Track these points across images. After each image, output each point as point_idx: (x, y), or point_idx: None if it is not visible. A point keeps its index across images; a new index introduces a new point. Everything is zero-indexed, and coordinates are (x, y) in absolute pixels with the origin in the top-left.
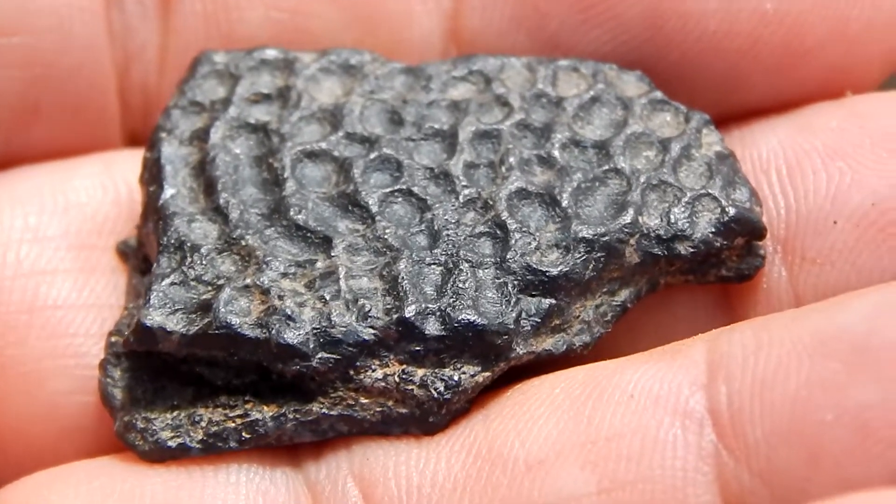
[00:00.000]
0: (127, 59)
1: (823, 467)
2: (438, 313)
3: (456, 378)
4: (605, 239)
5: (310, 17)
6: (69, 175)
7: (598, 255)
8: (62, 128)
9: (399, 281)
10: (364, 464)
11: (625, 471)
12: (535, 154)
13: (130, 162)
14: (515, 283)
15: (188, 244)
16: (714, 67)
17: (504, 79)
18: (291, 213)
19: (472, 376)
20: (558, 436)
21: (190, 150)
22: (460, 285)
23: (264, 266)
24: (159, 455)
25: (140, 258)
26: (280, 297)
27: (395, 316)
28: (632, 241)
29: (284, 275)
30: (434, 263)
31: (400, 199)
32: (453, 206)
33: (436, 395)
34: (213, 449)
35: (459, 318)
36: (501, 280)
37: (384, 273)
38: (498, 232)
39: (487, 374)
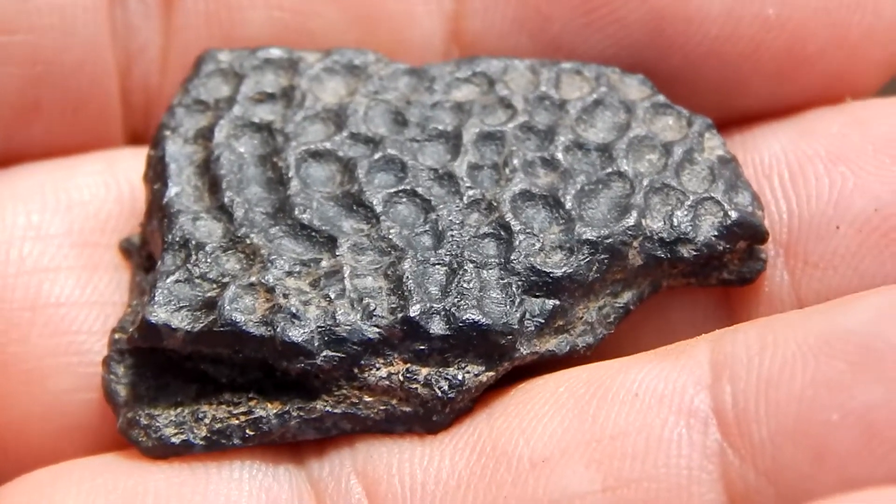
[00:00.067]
0: (129, 58)
1: (828, 467)
2: (443, 313)
3: (460, 377)
4: (608, 241)
5: (311, 17)
6: (71, 173)
7: (602, 256)
8: (63, 126)
9: (404, 280)
10: (367, 461)
11: (629, 469)
12: (538, 156)
13: (132, 160)
14: (519, 283)
15: (193, 242)
16: (716, 72)
17: (507, 81)
18: (296, 212)
19: (476, 376)
20: (563, 434)
21: (194, 149)
22: (465, 285)
23: (269, 264)
24: (162, 452)
25: (144, 256)
26: (285, 296)
27: (399, 315)
28: (635, 244)
29: (289, 273)
30: (438, 263)
31: (404, 200)
32: (457, 206)
33: (440, 394)
34: (217, 446)
35: (464, 317)
36: (505, 281)
37: (389, 272)
38: (502, 233)
39: (491, 373)
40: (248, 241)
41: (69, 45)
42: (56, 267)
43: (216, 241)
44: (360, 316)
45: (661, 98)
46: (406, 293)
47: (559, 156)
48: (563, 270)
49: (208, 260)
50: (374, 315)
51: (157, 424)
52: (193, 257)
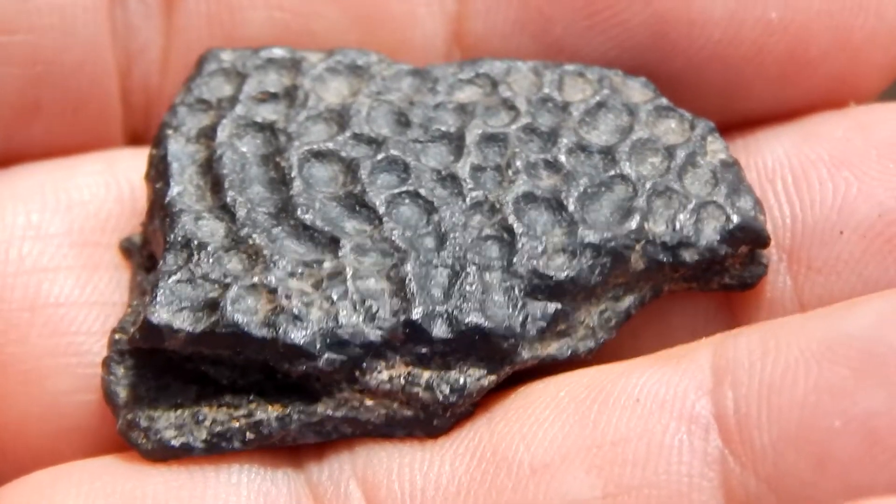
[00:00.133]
0: (129, 58)
1: (830, 473)
2: (446, 316)
3: (462, 381)
4: (611, 244)
5: (313, 17)
6: (71, 173)
7: (605, 260)
8: (63, 126)
9: (406, 283)
10: (367, 465)
11: (630, 475)
12: (541, 158)
13: (132, 160)
14: (522, 286)
15: (195, 242)
16: (718, 75)
17: (510, 82)
18: (299, 212)
19: (478, 380)
20: (563, 439)
21: (197, 148)
22: (467, 288)
23: (271, 265)
24: (162, 454)
25: (145, 255)
26: (287, 297)
27: (402, 318)
28: (638, 248)
29: (292, 274)
30: (441, 266)
31: (407, 201)
32: (460, 208)
33: (441, 397)
34: (217, 449)
35: (467, 320)
36: (508, 284)
37: (391, 274)
38: (505, 235)
39: (493, 377)
40: (250, 242)
41: (69, 45)
42: (55, 267)
43: (218, 241)
44: (363, 318)
45: (664, 101)
46: (409, 295)
47: (562, 158)
48: (565, 274)
49: (210, 260)
50: (377, 317)
51: (157, 427)
52: (195, 257)
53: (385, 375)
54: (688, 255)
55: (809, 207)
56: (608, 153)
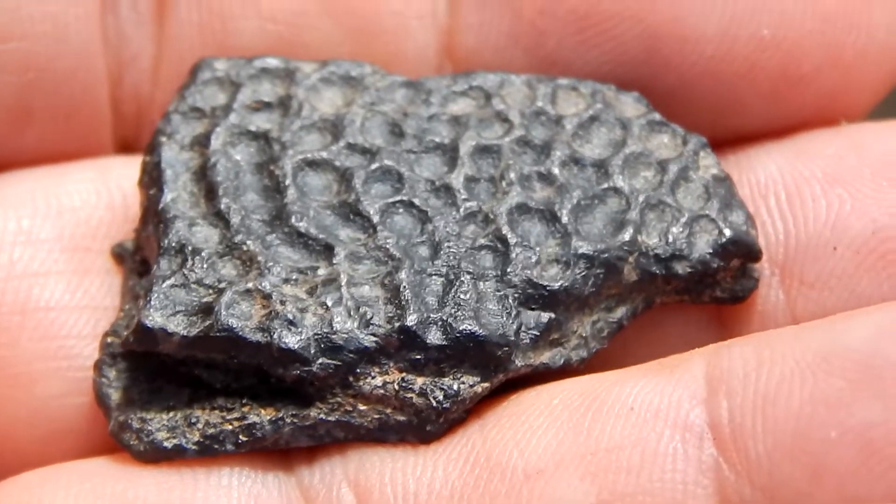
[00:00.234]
0: (120, 67)
1: (826, 484)
2: (440, 323)
3: (455, 387)
4: (605, 256)
5: (305, 29)
6: (62, 179)
7: (598, 271)
8: (55, 133)
9: (401, 290)
10: (360, 470)
11: (624, 483)
12: (535, 170)
13: (123, 168)
14: (516, 296)
15: (189, 247)
16: (710, 91)
17: (504, 95)
18: (293, 220)
19: (471, 386)
20: (557, 446)
21: (191, 155)
22: (462, 296)
23: (266, 271)
24: (154, 456)
25: (137, 261)
26: (282, 302)
27: (396, 324)
28: (631, 259)
29: (286, 280)
30: (435, 274)
31: (401, 210)
32: (454, 218)
33: (435, 403)
34: (210, 451)
35: (461, 328)
36: (502, 293)
37: (386, 282)
38: (499, 245)
39: (486, 384)
40: (244, 248)
41: (61, 53)
42: (46, 271)
43: (212, 247)
44: (357, 324)
45: (657, 116)
46: (403, 303)
47: (555, 170)
48: (559, 284)
49: (204, 265)
50: (372, 324)
51: (150, 428)
52: (189, 262)
53: (379, 381)
54: (680, 268)
55: (803, 223)
56: (601, 166)
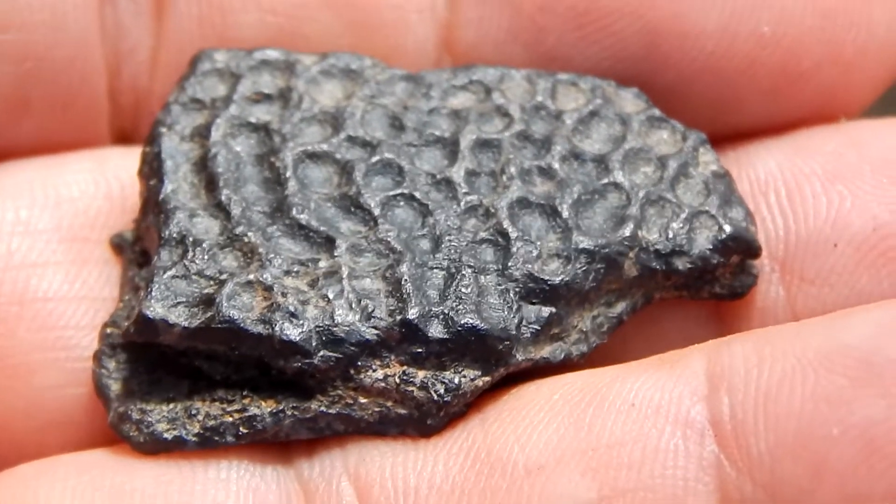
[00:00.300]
0: (118, 58)
1: (827, 481)
2: (442, 316)
3: (456, 381)
4: (605, 251)
5: (305, 21)
6: (60, 170)
7: (599, 266)
8: (53, 123)
9: (402, 283)
10: (360, 463)
11: (625, 479)
12: (535, 165)
13: (121, 159)
14: (517, 290)
15: (190, 238)
16: (710, 87)
17: (504, 90)
18: (294, 212)
19: (472, 380)
20: (558, 442)
21: (191, 146)
22: (463, 290)
23: (267, 263)
24: (154, 447)
25: (137, 251)
26: (283, 294)
27: (398, 317)
28: (631, 255)
29: (287, 272)
30: (436, 268)
31: (402, 204)
32: (455, 212)
33: (436, 397)
34: (210, 443)
35: (462, 321)
36: (503, 287)
37: (387, 275)
38: (499, 239)
39: (487, 378)
40: (245, 240)
41: (59, 42)
42: (44, 262)
43: (213, 239)
44: (359, 317)
45: (657, 112)
46: (405, 296)
47: (556, 165)
48: (560, 278)
49: (205, 257)
50: (373, 316)
51: (149, 420)
52: (190, 254)
53: (380, 374)
54: (680, 264)
55: (803, 220)
56: (601, 162)
